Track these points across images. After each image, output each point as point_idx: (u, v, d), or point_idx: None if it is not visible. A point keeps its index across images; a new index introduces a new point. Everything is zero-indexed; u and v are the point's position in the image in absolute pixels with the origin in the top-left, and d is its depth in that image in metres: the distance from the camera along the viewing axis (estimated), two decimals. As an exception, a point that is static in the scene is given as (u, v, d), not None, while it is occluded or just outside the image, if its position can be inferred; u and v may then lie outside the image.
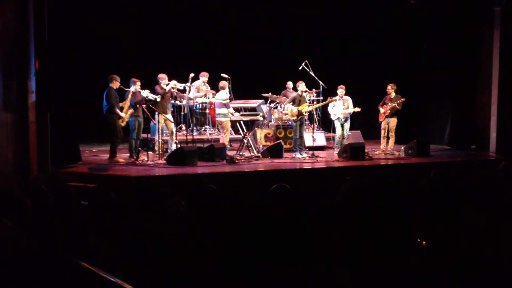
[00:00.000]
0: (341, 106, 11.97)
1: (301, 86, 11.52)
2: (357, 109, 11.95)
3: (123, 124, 10.10)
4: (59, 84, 9.01)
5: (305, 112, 11.44)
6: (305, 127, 12.00)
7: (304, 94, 11.69)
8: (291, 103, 11.44)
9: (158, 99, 10.60)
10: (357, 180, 4.10)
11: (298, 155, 11.25)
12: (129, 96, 10.15)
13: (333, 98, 11.90)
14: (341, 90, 11.96)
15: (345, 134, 12.09)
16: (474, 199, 4.81)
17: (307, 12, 14.34)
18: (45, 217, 4.29)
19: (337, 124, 12.09)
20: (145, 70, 11.58)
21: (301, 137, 11.56)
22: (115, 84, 10.11)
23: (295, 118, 11.37)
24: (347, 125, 12.09)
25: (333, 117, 12.15)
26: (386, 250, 3.35)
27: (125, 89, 10.20)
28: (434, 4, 12.93)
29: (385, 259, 3.23)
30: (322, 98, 12.57)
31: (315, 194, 5.01)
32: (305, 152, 11.39)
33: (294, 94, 11.77)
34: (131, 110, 10.16)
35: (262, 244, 3.51)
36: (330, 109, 12.15)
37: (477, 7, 12.67)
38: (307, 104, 11.63)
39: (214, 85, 12.31)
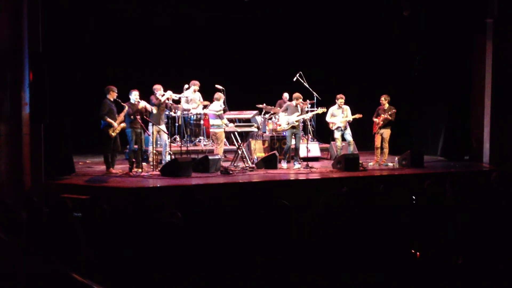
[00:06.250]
0: (340, 115, 11.83)
1: (294, 96, 11.65)
2: (358, 116, 11.84)
3: (113, 134, 10.04)
4: (53, 95, 9.00)
5: (296, 121, 11.50)
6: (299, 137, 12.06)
7: (298, 104, 11.70)
8: (284, 112, 11.65)
9: (154, 111, 10.61)
10: (336, 189, 4.11)
11: (284, 165, 11.29)
12: (125, 109, 10.13)
13: (321, 109, 11.91)
14: (340, 100, 11.82)
15: (350, 140, 11.86)
16: (468, 209, 4.82)
17: (302, 23, 14.41)
18: (38, 228, 4.27)
19: (337, 135, 11.92)
20: (140, 81, 11.61)
21: (297, 148, 11.56)
22: (112, 95, 10.11)
23: (287, 127, 11.47)
24: (347, 134, 11.91)
25: (332, 127, 12.00)
26: (374, 260, 3.35)
27: (122, 103, 10.19)
28: (428, 15, 13.01)
29: (373, 270, 3.22)
30: (316, 109, 12.60)
31: (307, 205, 5.01)
32: (298, 163, 11.36)
33: (288, 103, 11.89)
34: (123, 124, 10.14)
35: (250, 255, 3.51)
36: (328, 118, 12.00)
37: (470, 19, 12.75)
38: (298, 114, 11.60)
39: (209, 96, 12.32)
